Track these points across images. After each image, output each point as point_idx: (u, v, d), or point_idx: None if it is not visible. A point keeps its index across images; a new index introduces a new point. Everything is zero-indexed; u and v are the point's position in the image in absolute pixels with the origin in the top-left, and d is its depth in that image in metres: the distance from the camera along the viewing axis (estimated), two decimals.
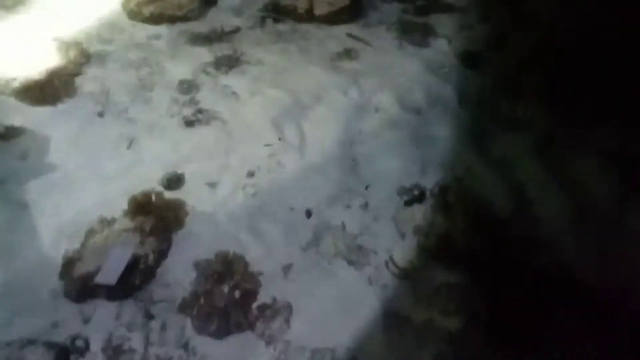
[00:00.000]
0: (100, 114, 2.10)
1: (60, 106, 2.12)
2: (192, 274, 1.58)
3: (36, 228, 1.67)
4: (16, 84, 2.14)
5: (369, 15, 2.81)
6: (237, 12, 2.75)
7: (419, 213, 1.82)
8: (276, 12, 2.75)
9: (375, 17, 2.81)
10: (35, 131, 2.00)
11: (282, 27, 2.69)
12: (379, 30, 2.70)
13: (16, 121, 2.02)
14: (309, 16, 2.73)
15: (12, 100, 2.11)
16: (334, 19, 2.72)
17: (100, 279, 1.50)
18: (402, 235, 1.75)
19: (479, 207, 1.82)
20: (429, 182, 1.91)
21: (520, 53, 2.56)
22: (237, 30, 2.63)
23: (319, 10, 2.73)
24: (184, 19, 2.65)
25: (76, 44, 2.38)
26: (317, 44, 2.58)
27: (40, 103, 2.10)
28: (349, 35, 2.60)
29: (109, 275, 1.50)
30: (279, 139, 2.03)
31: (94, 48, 2.41)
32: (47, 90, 2.14)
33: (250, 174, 1.92)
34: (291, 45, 2.56)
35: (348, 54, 2.52)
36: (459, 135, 2.10)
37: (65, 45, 2.36)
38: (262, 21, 2.70)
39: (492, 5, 2.92)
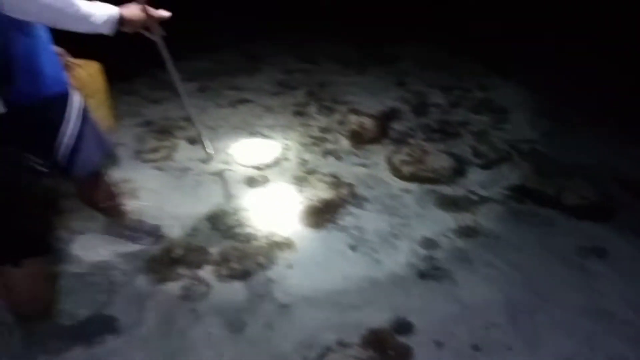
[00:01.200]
0: (353, 248, 2.48)
1: (323, 231, 2.59)
2: None
3: (287, 333, 2.00)
4: (299, 207, 2.72)
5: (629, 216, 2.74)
6: (484, 185, 3.00)
7: None
8: (521, 193, 2.91)
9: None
10: (299, 248, 2.46)
11: (524, 208, 2.82)
12: None
13: (287, 233, 2.55)
14: (555, 203, 2.79)
15: (291, 219, 2.67)
16: (584, 212, 2.72)
17: None
18: None
19: None
20: None
21: None
22: (481, 202, 2.85)
23: (568, 200, 2.78)
24: (435, 181, 3.01)
25: (349, 184, 2.93)
26: (560, 234, 2.61)
27: (312, 225, 2.60)
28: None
29: None
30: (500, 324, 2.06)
31: (359, 190, 2.91)
32: (319, 216, 2.65)
33: (475, 348, 1.97)
34: (532, 230, 2.64)
35: (595, 253, 2.47)
36: None
37: (341, 184, 2.92)
38: (506, 199, 2.88)
39: None
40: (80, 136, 1.96)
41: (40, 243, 1.54)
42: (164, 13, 1.82)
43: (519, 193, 2.91)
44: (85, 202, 2.30)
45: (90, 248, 2.40)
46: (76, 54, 2.29)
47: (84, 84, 2.32)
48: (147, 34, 1.85)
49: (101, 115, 2.58)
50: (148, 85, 4.13)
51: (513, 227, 2.63)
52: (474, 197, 2.89)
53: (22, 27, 1.61)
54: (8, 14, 1.38)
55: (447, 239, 2.57)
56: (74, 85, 2.06)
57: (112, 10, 1.66)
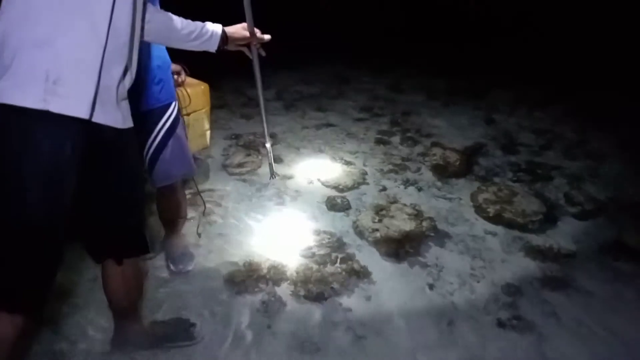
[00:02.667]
0: (431, 287, 2.40)
1: (402, 264, 2.53)
2: None
3: None
4: (377, 235, 2.68)
5: None
6: (576, 238, 2.80)
7: None
8: (619, 251, 2.68)
9: None
10: (376, 279, 2.42)
11: (623, 265, 2.58)
12: None
13: (364, 261, 2.51)
14: None
15: (368, 246, 2.64)
16: None
17: None
18: None
19: None
20: None
21: None
22: (572, 255, 2.65)
23: None
24: (522, 227, 2.85)
25: (429, 218, 2.85)
26: None
27: (390, 256, 2.56)
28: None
29: None
30: None
31: (441, 225, 2.83)
32: (398, 248, 2.59)
33: None
34: (629, 290, 2.41)
35: None
36: None
37: (422, 217, 2.85)
38: (601, 255, 2.66)
39: None
40: (162, 148, 2.08)
41: (142, 242, 1.63)
42: (266, 36, 1.86)
43: (617, 250, 2.67)
44: (158, 211, 2.41)
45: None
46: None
47: (189, 101, 2.47)
48: (246, 52, 1.89)
49: (199, 131, 2.73)
50: (239, 101, 4.33)
51: (610, 287, 2.41)
52: (565, 248, 2.70)
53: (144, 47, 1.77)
54: (146, 39, 1.54)
55: (533, 289, 2.41)
56: (179, 101, 2.20)
57: (217, 28, 1.74)
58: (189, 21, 1.69)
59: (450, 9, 6.20)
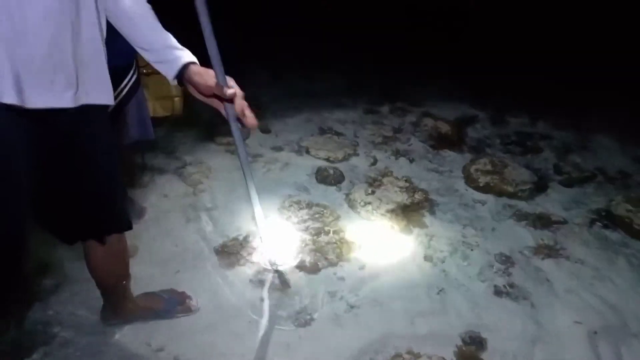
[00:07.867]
0: (424, 256, 2.39)
1: (395, 235, 2.51)
2: None
3: (356, 334, 1.95)
4: (370, 207, 2.65)
5: None
6: (566, 206, 2.83)
7: None
8: (608, 219, 2.71)
9: None
10: (369, 249, 2.39)
11: (612, 235, 2.62)
12: None
13: (357, 232, 2.49)
14: None
15: (360, 219, 2.61)
16: None
17: None
18: None
19: None
20: None
21: None
22: (563, 222, 2.68)
23: None
24: (512, 195, 2.86)
25: (422, 190, 2.83)
26: None
27: (383, 227, 2.54)
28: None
29: None
30: None
31: (433, 196, 2.82)
32: (390, 219, 2.58)
33: None
34: (619, 259, 2.45)
35: None
36: None
37: (415, 188, 2.83)
38: (591, 223, 2.69)
39: None
40: (122, 108, 2.00)
41: (124, 218, 1.55)
42: (230, 91, 1.22)
43: (606, 219, 2.71)
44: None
45: (162, 232, 2.46)
46: None
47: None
48: (221, 109, 1.32)
49: (159, 94, 2.50)
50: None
51: (600, 255, 2.45)
52: (555, 215, 2.72)
53: None
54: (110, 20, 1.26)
55: (524, 256, 2.43)
56: (137, 60, 2.06)
57: (186, 56, 1.26)
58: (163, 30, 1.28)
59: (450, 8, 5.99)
